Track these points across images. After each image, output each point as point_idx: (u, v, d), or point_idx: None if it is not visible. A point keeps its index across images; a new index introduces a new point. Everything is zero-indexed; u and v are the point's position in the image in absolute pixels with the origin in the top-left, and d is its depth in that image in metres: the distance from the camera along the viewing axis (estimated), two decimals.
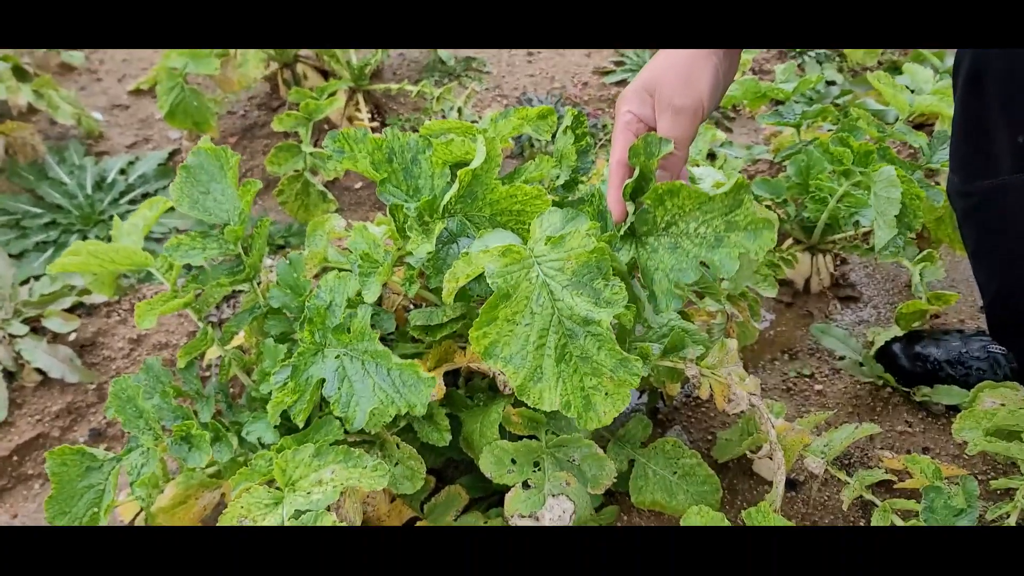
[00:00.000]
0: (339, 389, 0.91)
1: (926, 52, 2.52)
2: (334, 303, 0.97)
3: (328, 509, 0.88)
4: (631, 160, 0.94)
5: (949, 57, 2.51)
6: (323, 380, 0.93)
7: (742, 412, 1.20)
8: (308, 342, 0.97)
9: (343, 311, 0.96)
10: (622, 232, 0.97)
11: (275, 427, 1.06)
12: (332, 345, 0.95)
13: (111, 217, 2.05)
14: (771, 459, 1.17)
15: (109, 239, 2.01)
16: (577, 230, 0.88)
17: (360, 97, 2.26)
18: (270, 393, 1.11)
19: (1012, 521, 1.07)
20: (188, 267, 1.67)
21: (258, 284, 1.26)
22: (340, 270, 1.19)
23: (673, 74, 0.94)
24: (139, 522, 1.11)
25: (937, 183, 1.81)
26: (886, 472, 1.19)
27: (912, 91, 1.87)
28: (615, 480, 1.12)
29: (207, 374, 1.51)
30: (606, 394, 0.86)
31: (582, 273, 0.87)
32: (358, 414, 0.89)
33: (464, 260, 0.90)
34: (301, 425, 0.95)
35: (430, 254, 1.00)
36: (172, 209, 1.60)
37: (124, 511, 1.19)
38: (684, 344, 1.22)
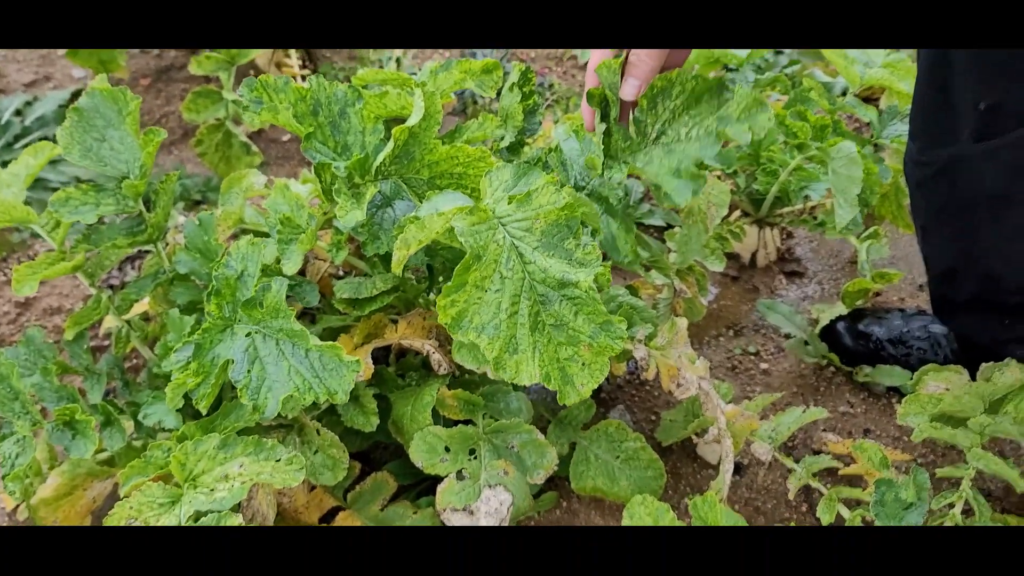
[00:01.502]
0: (249, 372, 0.80)
1: None
2: (246, 273, 0.85)
3: (236, 508, 0.77)
4: (597, 71, 0.88)
5: None
6: (231, 361, 0.82)
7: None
8: (215, 316, 0.85)
9: (256, 282, 0.84)
10: (598, 151, 0.91)
11: (178, 410, 0.94)
12: (242, 321, 0.83)
13: (4, 164, 1.85)
14: (718, 443, 1.12)
15: None
16: (544, 186, 0.80)
17: None
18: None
19: (957, 511, 1.05)
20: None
21: (164, 246, 1.12)
22: (256, 234, 1.06)
23: None
24: (20, 514, 0.98)
25: (882, 159, 1.79)
26: (832, 458, 1.16)
27: (862, 63, 1.83)
28: (556, 467, 1.04)
29: (106, 343, 1.36)
30: (583, 365, 0.78)
31: (552, 233, 0.79)
32: (270, 401, 0.78)
33: (416, 225, 0.80)
34: (204, 412, 0.84)
35: (360, 223, 0.89)
36: None
37: (7, 500, 1.05)
38: (633, 321, 1.14)
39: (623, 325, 0.76)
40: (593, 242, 0.78)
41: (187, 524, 0.73)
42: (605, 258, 1.03)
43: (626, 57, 0.89)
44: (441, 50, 2.37)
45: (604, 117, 0.89)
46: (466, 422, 1.05)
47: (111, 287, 1.47)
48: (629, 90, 0.88)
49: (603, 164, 0.89)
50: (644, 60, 0.88)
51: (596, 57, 0.92)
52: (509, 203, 0.81)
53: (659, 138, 0.86)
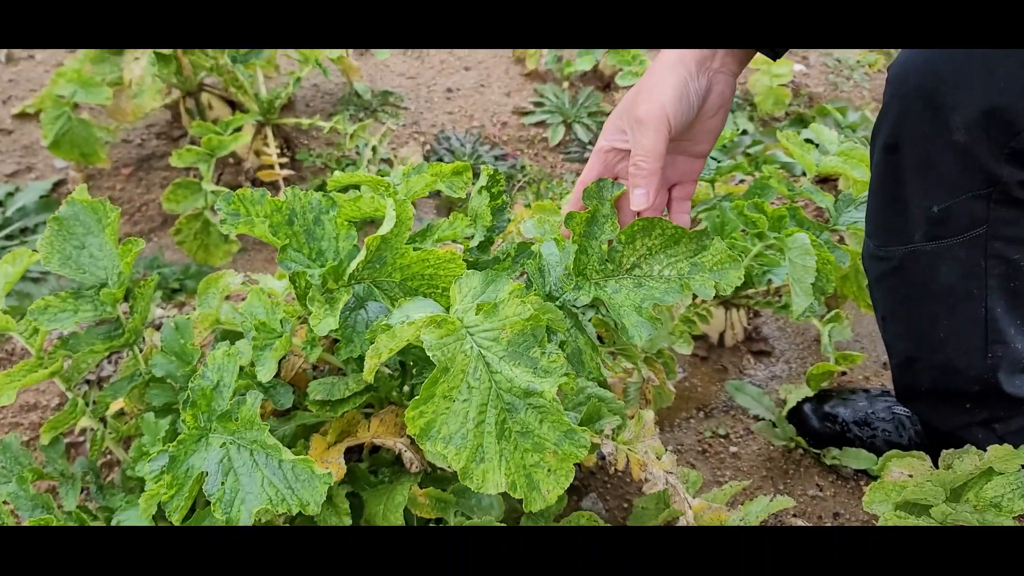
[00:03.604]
0: (222, 485, 0.81)
1: (829, 108, 2.62)
2: (222, 383, 0.87)
3: None
4: (585, 200, 0.92)
5: (852, 113, 2.61)
6: (205, 473, 0.84)
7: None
8: (191, 427, 0.87)
9: (231, 393, 0.86)
10: (571, 270, 0.95)
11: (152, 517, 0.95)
12: (217, 432, 0.85)
13: None
14: None
15: None
16: (511, 297, 0.84)
17: (269, 131, 2.15)
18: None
19: None
20: None
21: (140, 348, 1.14)
22: (232, 338, 1.09)
23: (638, 88, 0.92)
24: None
25: (842, 239, 1.86)
26: None
27: (816, 145, 1.91)
28: None
29: (80, 440, 1.36)
30: (548, 471, 0.81)
31: (518, 343, 0.82)
32: (243, 514, 0.80)
33: (387, 334, 0.84)
34: (177, 523, 0.85)
35: (333, 330, 0.93)
36: None
37: None
38: (601, 415, 1.17)
39: (586, 434, 0.79)
40: (557, 350, 0.81)
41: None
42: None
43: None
44: (374, 85, 2.46)
45: (581, 238, 0.93)
46: (438, 520, 1.06)
47: (87, 382, 1.48)
48: (639, 200, 0.90)
49: (574, 284, 0.94)
50: (644, 168, 0.89)
51: (588, 169, 0.97)
52: (477, 313, 0.85)
53: (633, 269, 0.91)
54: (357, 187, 1.21)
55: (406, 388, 1.19)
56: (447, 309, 0.89)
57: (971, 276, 1.16)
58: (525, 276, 1.12)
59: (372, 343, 0.87)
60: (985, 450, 1.13)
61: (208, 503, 0.96)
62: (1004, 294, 1.15)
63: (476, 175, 1.64)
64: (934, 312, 1.23)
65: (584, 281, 0.93)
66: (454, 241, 1.30)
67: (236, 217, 0.96)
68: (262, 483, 0.81)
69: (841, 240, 1.84)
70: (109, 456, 1.32)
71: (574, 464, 1.39)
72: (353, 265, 0.99)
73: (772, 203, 1.55)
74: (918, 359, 1.31)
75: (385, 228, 0.98)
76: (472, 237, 1.24)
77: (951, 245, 1.15)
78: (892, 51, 3.04)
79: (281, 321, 1.04)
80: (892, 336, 1.36)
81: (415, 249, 1.03)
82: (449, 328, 0.83)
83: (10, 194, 2.04)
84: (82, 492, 1.23)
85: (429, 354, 0.80)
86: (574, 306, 0.99)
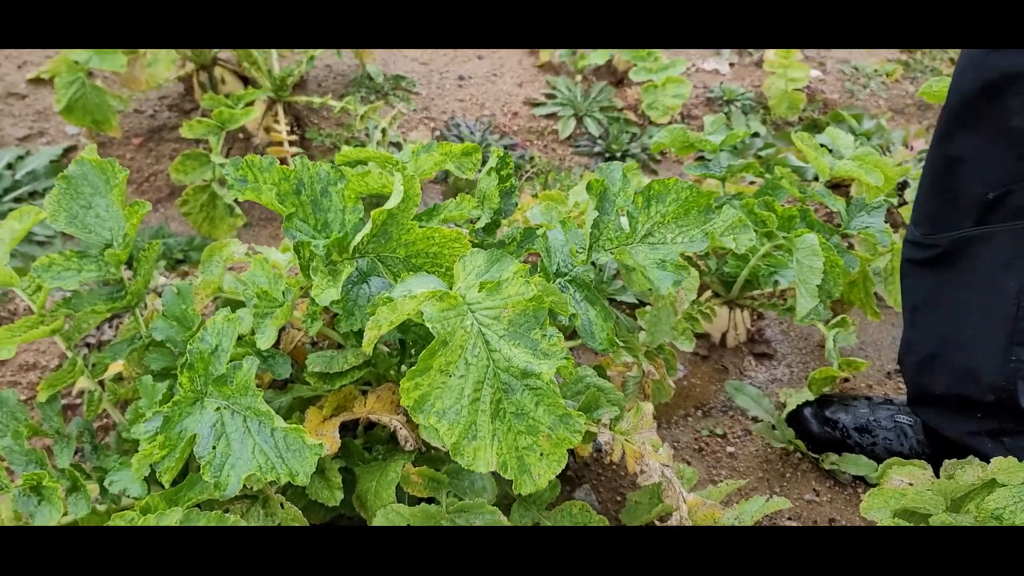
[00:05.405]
0: (214, 448, 0.81)
1: (844, 114, 2.60)
2: (220, 348, 0.87)
3: None
4: (603, 172, 0.94)
5: (867, 121, 2.60)
6: (198, 436, 0.83)
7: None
8: (187, 389, 0.87)
9: (228, 358, 0.86)
10: (584, 242, 0.96)
11: (145, 478, 0.94)
12: (213, 396, 0.85)
13: None
14: None
15: None
16: (515, 276, 0.83)
17: (280, 108, 2.15)
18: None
19: None
20: None
21: (143, 309, 1.14)
22: (234, 304, 1.08)
23: None
24: None
25: (851, 245, 1.85)
26: None
27: (831, 151, 1.90)
28: None
29: (78, 402, 1.36)
30: (541, 455, 0.80)
31: (519, 323, 0.82)
32: (232, 479, 0.79)
33: (388, 307, 0.83)
34: (167, 485, 0.84)
35: (335, 302, 0.92)
36: None
37: None
38: (599, 404, 1.16)
39: (581, 419, 0.78)
40: (558, 334, 0.80)
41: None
42: (574, 335, 1.06)
43: None
44: (387, 68, 2.45)
45: (599, 207, 0.93)
46: (430, 500, 1.06)
47: (88, 345, 1.48)
48: None
49: (589, 250, 0.94)
50: None
51: None
52: (480, 290, 0.84)
53: (647, 236, 0.91)
54: (365, 164, 1.20)
55: (404, 367, 1.19)
56: (450, 287, 0.89)
57: (1009, 267, 1.15)
58: (530, 261, 1.12)
59: (373, 316, 0.86)
60: (990, 461, 1.12)
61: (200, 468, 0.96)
62: None
63: (485, 161, 1.63)
64: (967, 301, 1.22)
65: (599, 250, 0.94)
66: (459, 225, 1.29)
67: (244, 183, 0.96)
68: (253, 450, 0.81)
69: (851, 247, 1.83)
70: (106, 420, 1.32)
71: (569, 453, 1.39)
72: (358, 238, 0.98)
73: (783, 204, 1.54)
74: (939, 356, 1.30)
75: (392, 202, 0.97)
76: (479, 219, 1.24)
77: (996, 232, 1.15)
78: (910, 62, 3.02)
79: (283, 291, 1.03)
80: (919, 329, 1.34)
81: (421, 226, 1.02)
82: (451, 302, 0.82)
83: (20, 157, 2.04)
84: (77, 454, 1.23)
85: (429, 326, 0.79)
86: (585, 277, 1.00)
